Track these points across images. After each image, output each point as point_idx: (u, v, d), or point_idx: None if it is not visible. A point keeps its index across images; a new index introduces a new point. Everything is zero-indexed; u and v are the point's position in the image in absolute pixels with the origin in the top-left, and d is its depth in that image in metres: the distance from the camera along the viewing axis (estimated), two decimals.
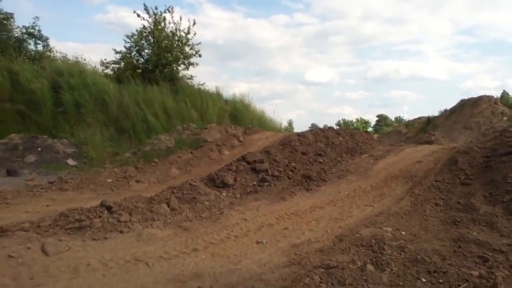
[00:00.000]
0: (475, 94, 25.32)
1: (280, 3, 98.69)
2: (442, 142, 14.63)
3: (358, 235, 4.56)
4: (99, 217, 5.08)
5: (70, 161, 10.39)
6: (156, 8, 15.29)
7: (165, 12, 15.42)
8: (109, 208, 5.31)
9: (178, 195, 6.24)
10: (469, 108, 23.14)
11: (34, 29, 16.24)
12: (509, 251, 3.89)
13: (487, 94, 24.52)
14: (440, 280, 3.35)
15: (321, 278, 3.44)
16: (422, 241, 4.31)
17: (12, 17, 16.00)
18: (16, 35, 16.15)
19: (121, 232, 4.73)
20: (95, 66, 15.29)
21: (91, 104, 12.10)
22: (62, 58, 15.43)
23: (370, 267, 3.61)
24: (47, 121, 11.68)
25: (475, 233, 4.48)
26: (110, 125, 12.15)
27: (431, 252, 3.90)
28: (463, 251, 3.95)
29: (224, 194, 6.81)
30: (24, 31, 16.14)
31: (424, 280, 3.39)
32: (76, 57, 15.06)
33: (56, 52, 16.59)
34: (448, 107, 25.58)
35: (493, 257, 3.74)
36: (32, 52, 16.15)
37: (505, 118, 21.18)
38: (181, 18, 15.61)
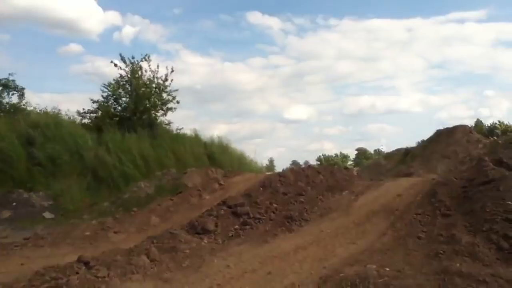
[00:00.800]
0: (450, 124, 25.76)
1: (255, 47, 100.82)
2: (421, 174, 14.80)
3: (342, 275, 4.51)
4: (76, 273, 4.90)
5: (47, 214, 10.09)
6: (132, 58, 15.43)
7: (141, 60, 15.55)
8: (86, 264, 5.14)
9: (158, 245, 6.09)
10: (445, 137, 23.53)
11: (9, 80, 16.06)
12: (493, 281, 3.89)
13: (462, 124, 24.99)
14: None
15: None
16: (406, 276, 4.28)
17: None
18: None
19: None
20: (71, 117, 15.15)
21: (66, 155, 11.91)
22: (37, 110, 15.29)
23: None
24: (22, 175, 11.38)
25: (458, 265, 4.47)
26: (88, 175, 11.93)
27: (416, 287, 3.87)
28: (447, 285, 3.95)
29: (205, 240, 6.70)
30: None
31: None
32: (53, 108, 14.97)
33: (31, 105, 16.39)
34: (425, 138, 25.90)
35: None
36: (6, 105, 15.92)
37: (480, 146, 21.60)
38: (158, 66, 15.75)
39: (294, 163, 41.89)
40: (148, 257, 5.52)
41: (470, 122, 28.80)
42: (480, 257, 4.67)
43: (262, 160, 18.57)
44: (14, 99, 16.15)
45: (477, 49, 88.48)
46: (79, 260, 5.20)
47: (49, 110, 15.12)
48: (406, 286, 3.94)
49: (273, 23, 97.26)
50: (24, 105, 16.15)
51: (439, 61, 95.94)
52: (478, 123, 30.36)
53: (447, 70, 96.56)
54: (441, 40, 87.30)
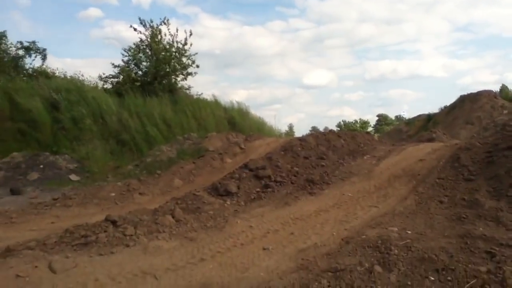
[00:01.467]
0: (474, 90, 25.18)
1: (274, 10, 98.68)
2: (444, 139, 14.60)
3: (364, 236, 4.55)
4: (105, 231, 5.07)
5: (73, 177, 10.41)
6: (151, 22, 15.38)
7: (161, 24, 15.50)
8: (114, 223, 5.30)
9: (182, 205, 6.23)
10: (469, 103, 23.06)
11: (29, 43, 16.21)
12: None
13: (486, 89, 24.36)
14: (449, 278, 3.34)
15: (329, 282, 3.44)
16: (428, 239, 4.29)
17: (5, 35, 15.88)
18: (13, 54, 16.08)
19: (127, 245, 4.71)
20: (94, 83, 15.37)
21: (90, 119, 12.14)
22: (59, 74, 15.51)
23: (377, 268, 3.60)
24: (47, 138, 11.70)
25: (481, 229, 4.46)
26: (111, 138, 12.18)
27: (438, 250, 3.89)
28: (470, 247, 3.94)
29: (228, 202, 6.81)
30: (19, 46, 16.13)
31: (433, 278, 3.38)
32: (74, 73, 15.19)
33: (54, 69, 16.61)
34: (448, 104, 25.44)
35: (500, 252, 3.72)
36: (29, 69, 16.14)
37: (505, 112, 21.10)
38: (177, 29, 15.71)
39: (314, 129, 41.72)
40: (173, 217, 5.66)
41: (495, 88, 27.92)
42: (503, 222, 4.63)
43: (281, 126, 18.60)
44: (37, 62, 16.39)
45: (504, 10, 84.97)
46: (106, 219, 5.36)
47: (71, 75, 15.37)
48: (428, 248, 3.95)
49: None
50: (47, 69, 16.38)
51: (464, 24, 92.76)
52: (504, 88, 29.39)
53: (472, 33, 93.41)
54: (467, 2, 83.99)
